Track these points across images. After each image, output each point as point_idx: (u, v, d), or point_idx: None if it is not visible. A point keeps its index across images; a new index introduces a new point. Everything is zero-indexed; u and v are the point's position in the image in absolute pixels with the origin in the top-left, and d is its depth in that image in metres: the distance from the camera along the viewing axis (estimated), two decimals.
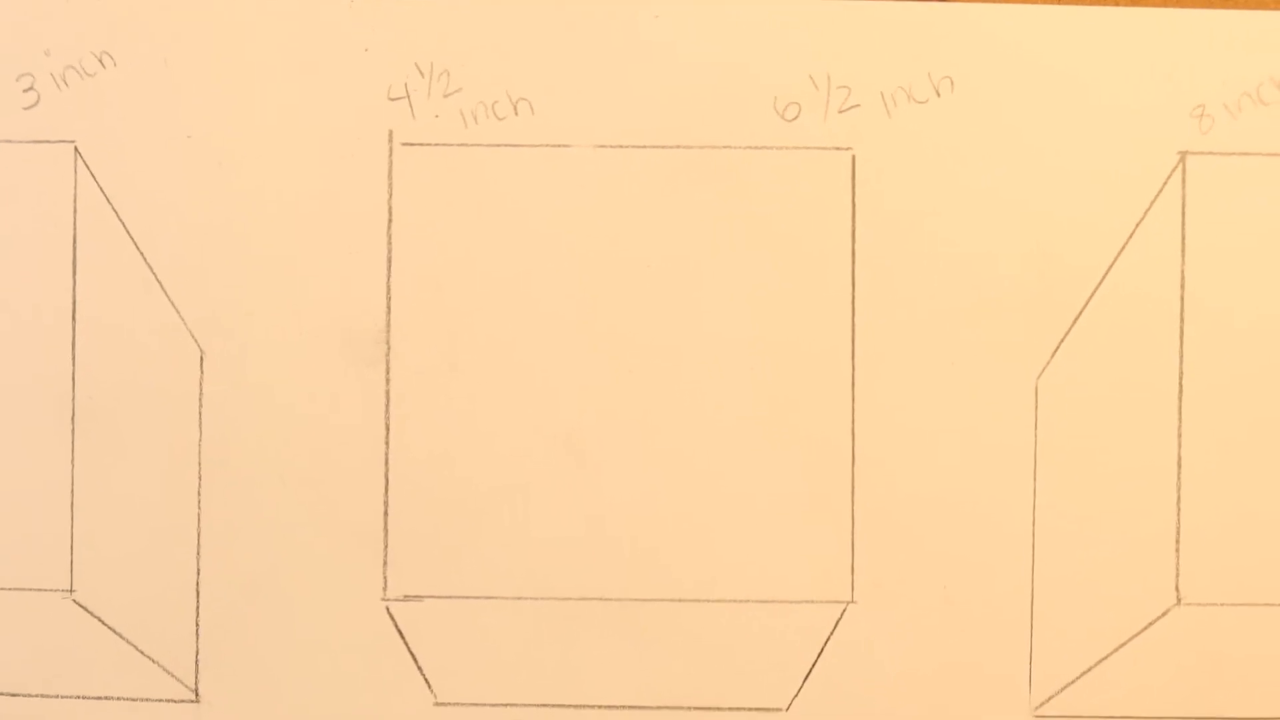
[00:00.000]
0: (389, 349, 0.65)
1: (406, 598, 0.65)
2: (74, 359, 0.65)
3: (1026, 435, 0.65)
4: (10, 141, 0.65)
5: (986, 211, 0.65)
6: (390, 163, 0.65)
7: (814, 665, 0.65)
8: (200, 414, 0.65)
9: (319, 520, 0.65)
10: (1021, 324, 0.65)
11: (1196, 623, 0.65)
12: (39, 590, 0.65)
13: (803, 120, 0.65)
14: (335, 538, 0.65)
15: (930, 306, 0.65)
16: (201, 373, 0.65)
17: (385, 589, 0.65)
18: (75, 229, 0.65)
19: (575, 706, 0.65)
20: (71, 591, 0.65)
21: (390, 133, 0.65)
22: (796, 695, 0.65)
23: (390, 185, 0.65)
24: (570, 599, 0.65)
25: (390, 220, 0.65)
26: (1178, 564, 0.65)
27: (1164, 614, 0.65)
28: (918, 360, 0.65)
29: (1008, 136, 0.65)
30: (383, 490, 0.65)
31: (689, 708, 0.65)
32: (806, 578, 0.65)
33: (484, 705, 0.65)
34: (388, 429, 0.65)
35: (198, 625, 0.65)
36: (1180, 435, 0.65)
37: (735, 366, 0.65)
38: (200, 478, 0.65)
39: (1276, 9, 0.66)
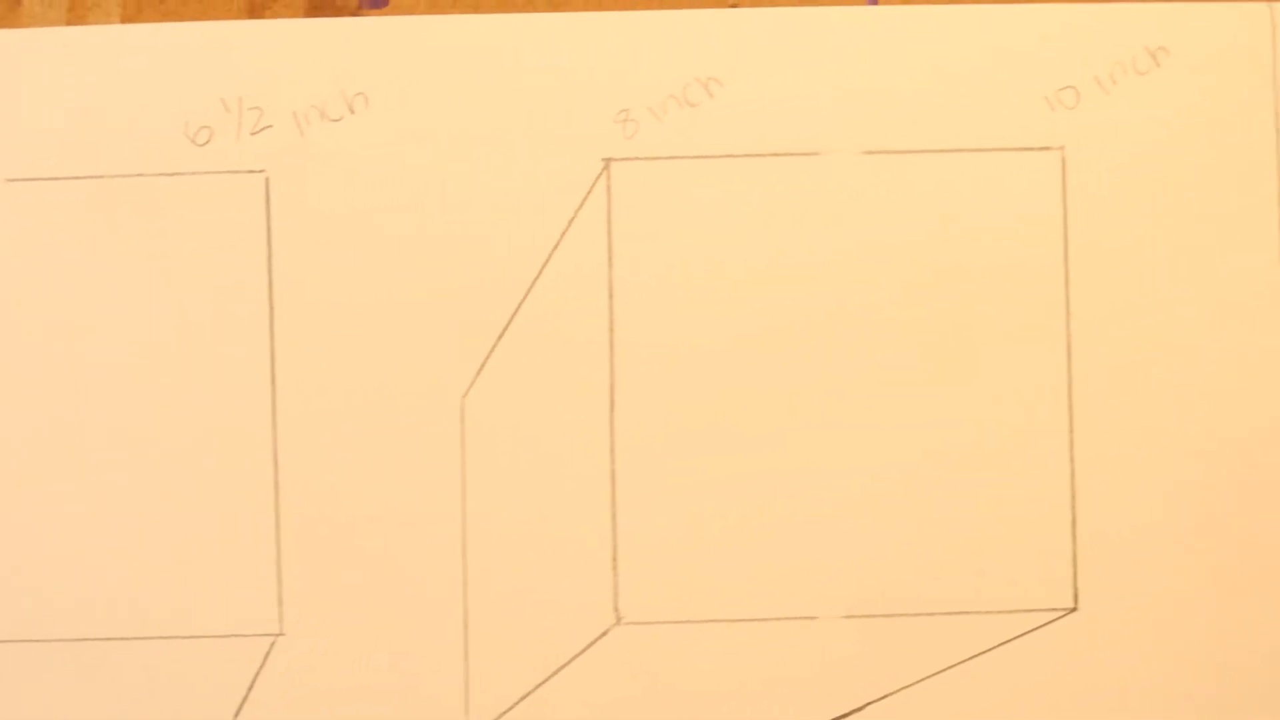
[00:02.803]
0: None
1: None
2: None
3: (454, 456, 0.63)
4: None
5: (406, 230, 0.63)
6: None
7: (244, 701, 0.63)
8: None
9: None
10: (445, 343, 0.63)
11: (637, 641, 0.63)
12: None
13: (215, 144, 0.64)
14: None
15: (350, 329, 0.63)
16: None
17: None
18: None
19: None
20: None
21: None
22: None
23: None
24: None
25: None
26: (616, 582, 0.63)
27: (604, 634, 0.63)
28: (340, 384, 0.63)
29: (426, 151, 0.64)
30: None
31: None
32: (233, 611, 0.63)
33: None
34: None
35: None
36: (613, 450, 0.63)
37: (154, 394, 0.63)
38: None
39: (697, 9, 0.65)
